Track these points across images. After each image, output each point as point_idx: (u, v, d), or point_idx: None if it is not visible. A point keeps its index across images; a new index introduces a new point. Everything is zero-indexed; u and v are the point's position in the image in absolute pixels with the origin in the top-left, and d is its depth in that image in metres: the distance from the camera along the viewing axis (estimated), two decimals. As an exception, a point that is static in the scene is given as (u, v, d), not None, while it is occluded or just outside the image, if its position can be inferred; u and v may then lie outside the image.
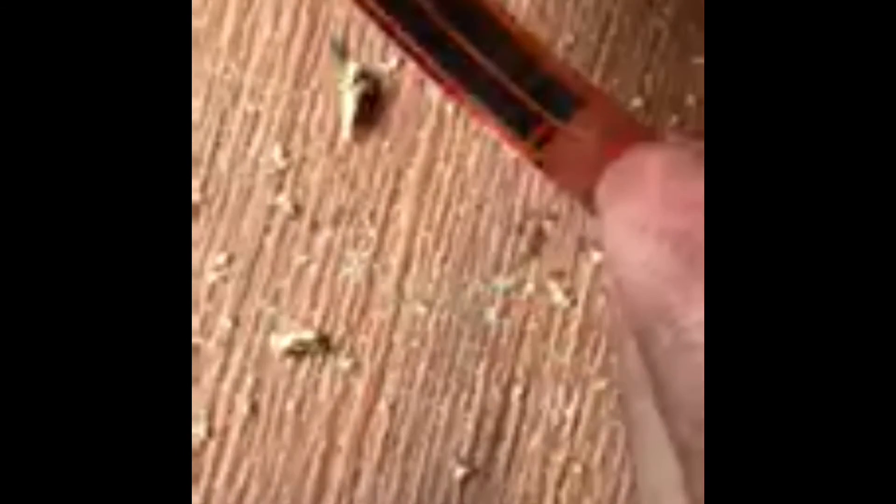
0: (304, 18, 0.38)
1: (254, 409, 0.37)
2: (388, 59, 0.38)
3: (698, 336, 0.26)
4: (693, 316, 0.26)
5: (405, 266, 0.37)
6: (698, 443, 0.26)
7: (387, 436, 0.37)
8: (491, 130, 0.30)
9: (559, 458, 0.37)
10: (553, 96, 0.30)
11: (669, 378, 0.27)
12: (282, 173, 0.38)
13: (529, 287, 0.37)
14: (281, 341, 0.37)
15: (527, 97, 0.30)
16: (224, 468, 0.37)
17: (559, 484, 0.37)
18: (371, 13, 0.30)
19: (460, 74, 0.30)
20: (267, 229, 0.37)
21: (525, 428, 0.37)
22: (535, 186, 0.37)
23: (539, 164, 0.30)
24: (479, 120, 0.30)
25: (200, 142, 0.38)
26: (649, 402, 0.28)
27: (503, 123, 0.30)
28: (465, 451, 0.37)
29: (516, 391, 0.37)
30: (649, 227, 0.27)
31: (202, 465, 0.37)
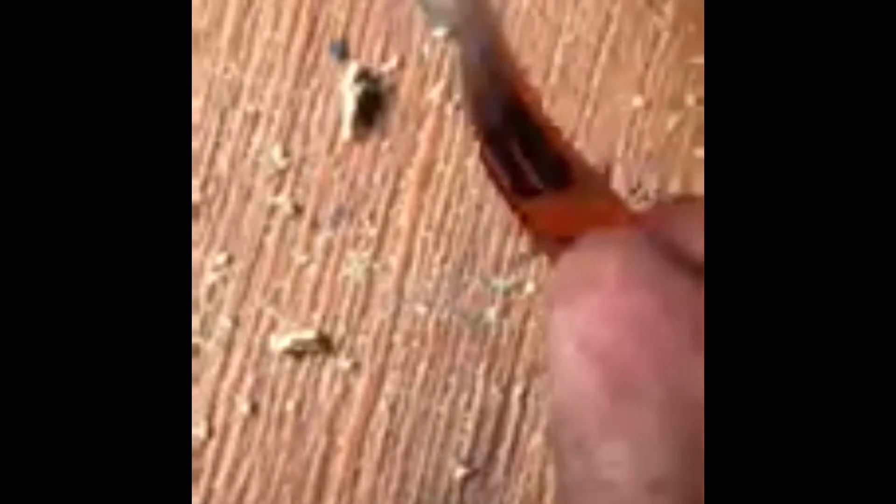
0: (304, 18, 0.38)
1: (254, 409, 0.37)
2: (389, 59, 0.38)
3: (608, 474, 0.25)
4: (605, 452, 0.25)
5: (405, 266, 0.37)
6: None
7: (387, 436, 0.37)
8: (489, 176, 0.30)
9: (559, 458, 0.37)
10: (552, 170, 0.30)
11: None
12: (282, 173, 0.37)
13: (529, 287, 0.37)
14: (281, 341, 0.37)
15: (529, 166, 0.29)
16: (224, 468, 0.37)
17: (559, 484, 0.37)
18: None
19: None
20: (267, 229, 0.37)
21: (525, 428, 0.37)
22: (535, 186, 0.37)
23: (522, 215, 0.30)
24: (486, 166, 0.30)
25: (200, 142, 0.38)
26: None
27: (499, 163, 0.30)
28: (465, 451, 0.37)
29: (516, 391, 0.37)
30: (589, 345, 0.26)
31: (202, 465, 0.37)
